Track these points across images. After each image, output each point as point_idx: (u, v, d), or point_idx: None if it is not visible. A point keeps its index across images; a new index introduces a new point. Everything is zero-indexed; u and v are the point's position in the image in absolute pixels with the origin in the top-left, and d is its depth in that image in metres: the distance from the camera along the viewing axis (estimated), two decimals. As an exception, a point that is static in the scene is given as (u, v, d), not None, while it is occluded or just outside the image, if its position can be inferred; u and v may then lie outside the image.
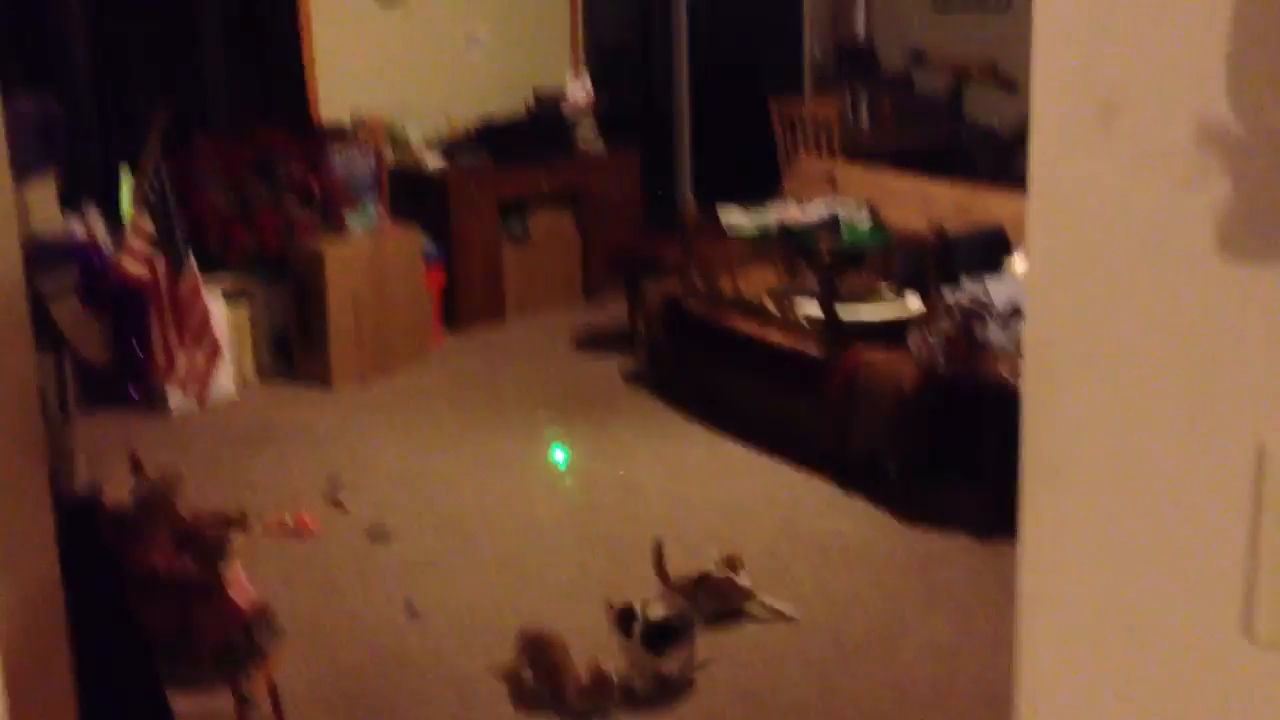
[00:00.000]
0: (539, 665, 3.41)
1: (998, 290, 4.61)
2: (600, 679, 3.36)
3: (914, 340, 4.56)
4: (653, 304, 5.82)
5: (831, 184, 6.14)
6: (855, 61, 8.17)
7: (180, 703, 2.77)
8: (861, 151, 7.10)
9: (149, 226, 3.94)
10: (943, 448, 4.52)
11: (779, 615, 3.81)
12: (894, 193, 5.86)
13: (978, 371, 4.34)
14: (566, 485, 4.83)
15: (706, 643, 3.65)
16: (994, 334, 4.46)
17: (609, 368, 6.21)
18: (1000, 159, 7.26)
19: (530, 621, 3.58)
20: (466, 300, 6.85)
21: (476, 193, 6.83)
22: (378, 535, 4.39)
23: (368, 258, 6.08)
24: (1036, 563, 1.09)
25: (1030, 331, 1.03)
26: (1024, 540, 1.10)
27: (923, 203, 5.73)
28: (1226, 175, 0.86)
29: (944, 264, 4.91)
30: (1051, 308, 1.00)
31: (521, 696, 3.44)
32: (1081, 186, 0.96)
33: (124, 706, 2.62)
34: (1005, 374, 4.23)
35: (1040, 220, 1.00)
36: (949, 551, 4.23)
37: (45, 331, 2.78)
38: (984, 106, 7.62)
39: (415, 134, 7.05)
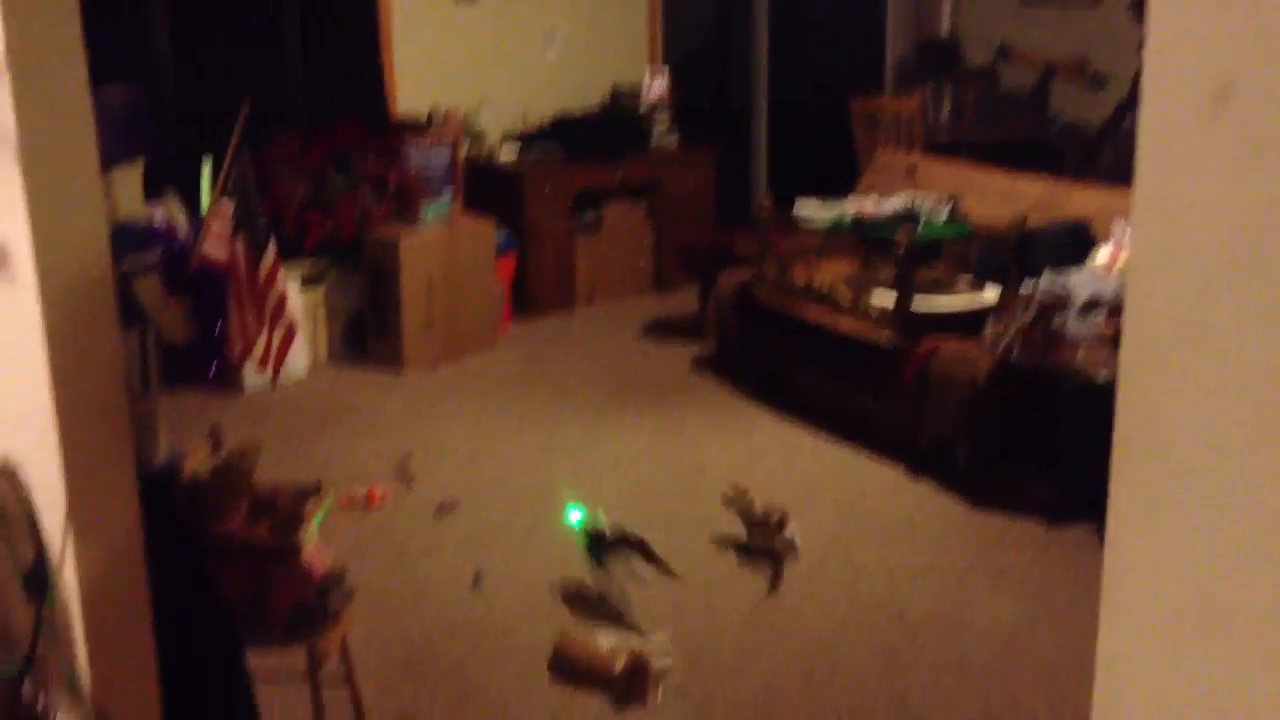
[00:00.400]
0: (570, 676, 3.43)
1: (1078, 283, 4.56)
2: (634, 663, 3.36)
3: (989, 330, 4.52)
4: (724, 293, 5.82)
5: (911, 178, 6.10)
6: (938, 56, 8.10)
7: (256, 664, 2.81)
8: (943, 146, 7.05)
9: (230, 210, 4.00)
10: (1014, 436, 4.48)
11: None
12: (976, 187, 5.81)
13: (1053, 361, 4.30)
14: (633, 468, 4.84)
15: (769, 614, 3.66)
16: (1071, 325, 4.42)
17: (678, 355, 6.22)
18: (1086, 154, 7.17)
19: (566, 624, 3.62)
20: (537, 289, 6.89)
21: (550, 185, 6.86)
22: (445, 510, 4.44)
23: (441, 246, 6.14)
24: (1124, 539, 1.07)
25: (1132, 312, 1.01)
26: (1113, 517, 1.08)
27: (1005, 197, 5.67)
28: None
29: (1024, 257, 4.86)
30: (1154, 289, 0.99)
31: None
32: (1190, 170, 0.95)
33: (202, 668, 2.67)
34: (1081, 364, 4.19)
35: (1147, 202, 0.99)
36: (1016, 536, 4.20)
37: (129, 310, 2.84)
38: (1070, 102, 7.52)
39: (491, 127, 7.11)
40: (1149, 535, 1.03)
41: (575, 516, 3.86)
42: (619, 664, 3.37)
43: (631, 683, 3.34)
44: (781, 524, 4.07)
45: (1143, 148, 0.97)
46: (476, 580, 3.94)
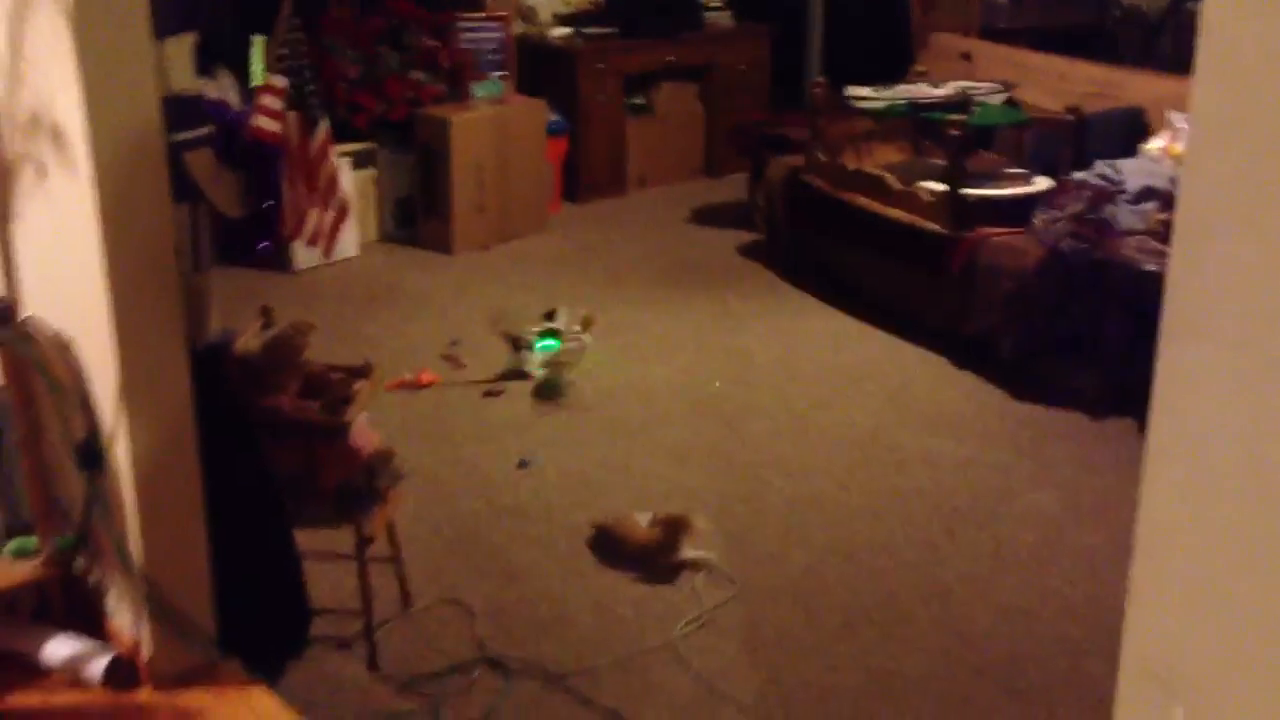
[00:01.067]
0: (610, 555, 3.50)
1: (1131, 171, 4.49)
2: (668, 525, 3.46)
3: (1039, 218, 4.47)
4: (775, 178, 5.77)
5: (967, 62, 5.98)
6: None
7: (304, 539, 2.88)
8: (1000, 31, 6.89)
9: (282, 84, 4.00)
10: (1060, 328, 4.45)
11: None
12: (1032, 72, 5.69)
13: (1102, 251, 4.25)
14: (680, 354, 4.86)
15: (811, 501, 3.71)
16: (1123, 214, 4.36)
17: (727, 242, 6.20)
18: (1145, 41, 6.99)
19: (607, 511, 3.66)
20: (588, 172, 6.86)
21: (603, 65, 6.79)
22: (493, 394, 4.49)
23: (492, 127, 6.11)
24: (1169, 415, 1.07)
25: (1188, 185, 1.00)
26: (1159, 394, 1.08)
27: (1061, 83, 5.56)
28: None
29: (1078, 144, 4.78)
30: (1215, 155, 0.97)
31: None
32: (1253, 39, 0.93)
33: (252, 543, 2.73)
34: (1130, 254, 4.14)
35: (1209, 66, 0.97)
36: (1060, 427, 4.20)
37: (182, 184, 2.85)
38: (1131, -13, 7.31)
39: (543, 5, 7.02)
40: (1193, 414, 1.03)
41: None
42: (655, 537, 3.45)
43: (666, 550, 3.42)
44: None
45: (1207, 15, 0.95)
46: (523, 464, 3.99)
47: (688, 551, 3.43)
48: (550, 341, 4.65)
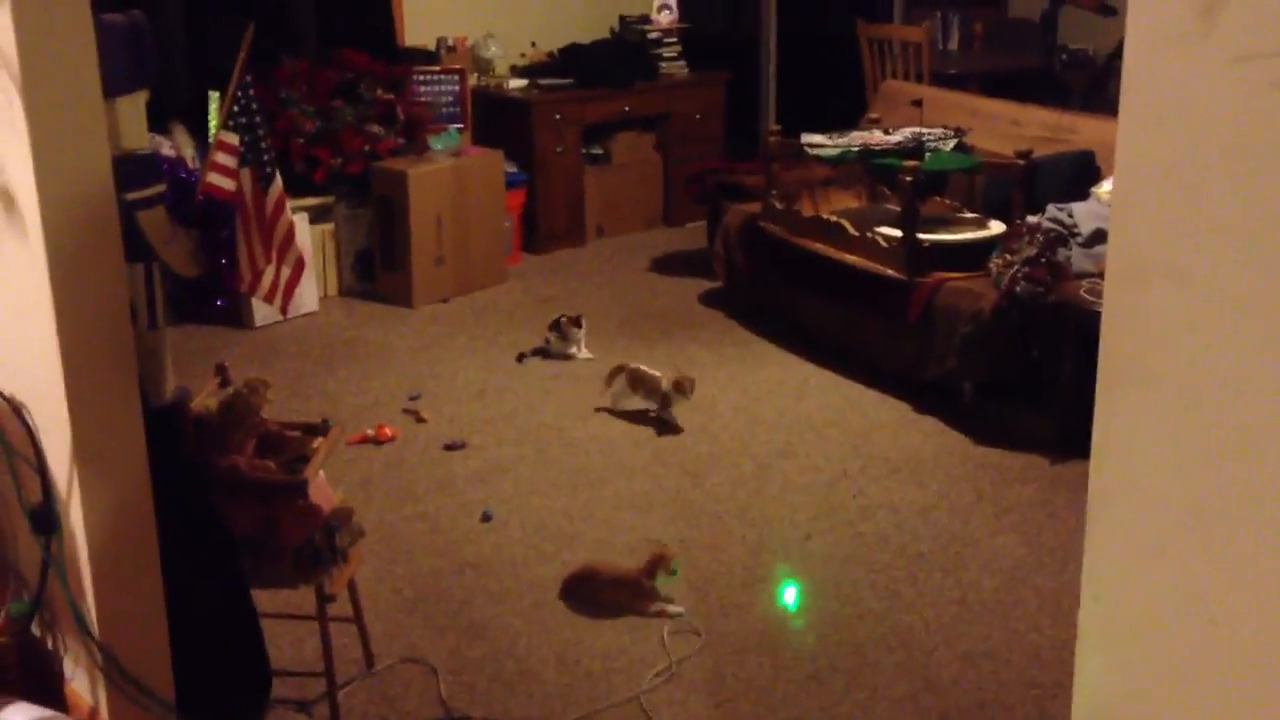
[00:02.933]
0: (586, 600, 3.51)
1: (1083, 215, 4.55)
2: (647, 567, 3.48)
3: (994, 263, 4.51)
4: (732, 226, 5.80)
5: (919, 109, 6.05)
6: (946, -16, 8.01)
7: (263, 600, 2.85)
8: (950, 77, 6.99)
9: (235, 141, 3.98)
10: (1019, 371, 4.48)
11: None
12: (982, 117, 5.77)
13: (1057, 294, 4.29)
14: (642, 403, 4.85)
15: (775, 548, 3.71)
16: (1076, 257, 4.41)
17: (687, 290, 6.22)
18: (1094, 84, 7.10)
19: (584, 557, 3.68)
20: (547, 222, 6.88)
21: (559, 116, 6.82)
22: (454, 448, 4.47)
23: (450, 179, 6.12)
24: (1109, 461, 1.08)
25: (1117, 233, 1.02)
26: (1098, 439, 1.09)
27: (1012, 128, 5.64)
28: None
29: (1029, 189, 4.84)
30: (1140, 208, 0.99)
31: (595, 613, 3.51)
32: (1176, 87, 0.94)
33: (210, 604, 2.70)
34: (1085, 297, 4.18)
35: (1132, 121, 0.98)
36: (1021, 471, 4.22)
37: (135, 243, 2.83)
38: (1079, 31, 7.43)
39: (499, 57, 7.06)
40: (1130, 462, 1.04)
41: (790, 597, 3.60)
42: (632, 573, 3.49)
43: (640, 582, 3.46)
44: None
45: (1129, 63, 0.97)
46: (485, 518, 3.97)
47: (660, 594, 3.48)
48: None
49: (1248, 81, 0.89)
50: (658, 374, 4.71)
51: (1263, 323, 0.91)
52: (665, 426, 4.62)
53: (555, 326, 5.37)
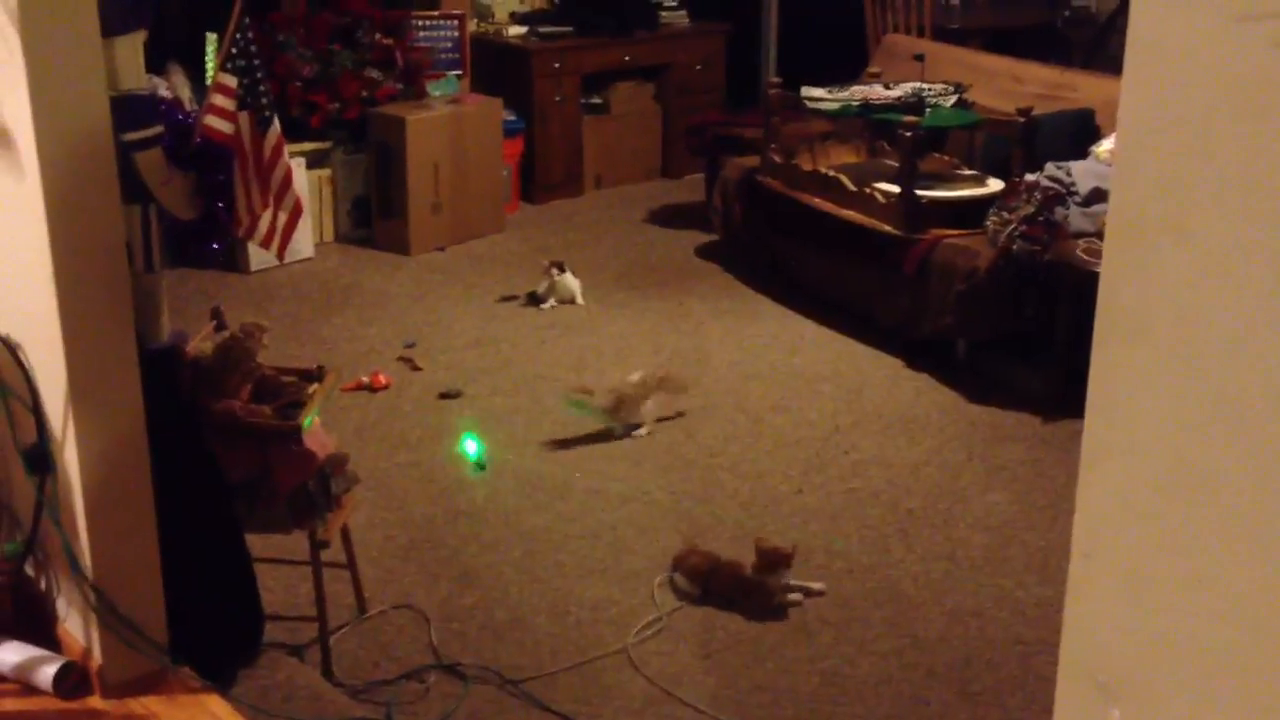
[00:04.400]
0: (700, 591, 3.34)
1: (1082, 173, 4.53)
2: (767, 555, 3.29)
3: (991, 220, 4.51)
4: (730, 179, 5.79)
5: (920, 64, 6.01)
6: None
7: (256, 545, 2.87)
8: (953, 32, 6.94)
9: (233, 84, 3.96)
10: (1014, 329, 4.49)
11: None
12: (983, 74, 5.73)
13: (1054, 253, 4.29)
14: (636, 355, 4.86)
15: (766, 503, 3.72)
16: (1073, 217, 4.40)
17: (684, 242, 6.21)
18: (1095, 42, 7.05)
19: (687, 539, 3.51)
20: (545, 172, 6.85)
21: (559, 65, 6.78)
22: (449, 396, 4.47)
23: (448, 127, 6.09)
24: (1103, 416, 1.09)
25: (1118, 188, 1.02)
26: (1092, 395, 1.09)
27: (1012, 84, 5.60)
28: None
29: (1029, 146, 4.82)
30: (1142, 163, 0.99)
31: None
32: (1179, 46, 0.94)
33: (202, 546, 2.71)
34: (1081, 256, 4.18)
35: (1135, 79, 0.98)
36: (1013, 429, 4.24)
37: (132, 184, 2.82)
38: (1083, -12, 7.38)
39: (500, 4, 7.01)
40: (1126, 415, 1.05)
41: (471, 448, 3.99)
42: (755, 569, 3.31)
43: (766, 586, 3.29)
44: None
45: (1134, 23, 0.96)
46: (479, 468, 3.99)
47: (791, 581, 3.31)
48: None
49: (1251, 41, 0.89)
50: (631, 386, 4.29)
51: (1261, 279, 0.92)
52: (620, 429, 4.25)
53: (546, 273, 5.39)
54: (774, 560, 3.27)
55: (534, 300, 5.37)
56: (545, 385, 4.58)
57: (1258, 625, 0.94)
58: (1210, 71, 0.92)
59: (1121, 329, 1.04)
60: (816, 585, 3.34)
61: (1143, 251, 0.99)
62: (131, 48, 2.94)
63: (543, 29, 6.90)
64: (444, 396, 4.48)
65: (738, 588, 3.29)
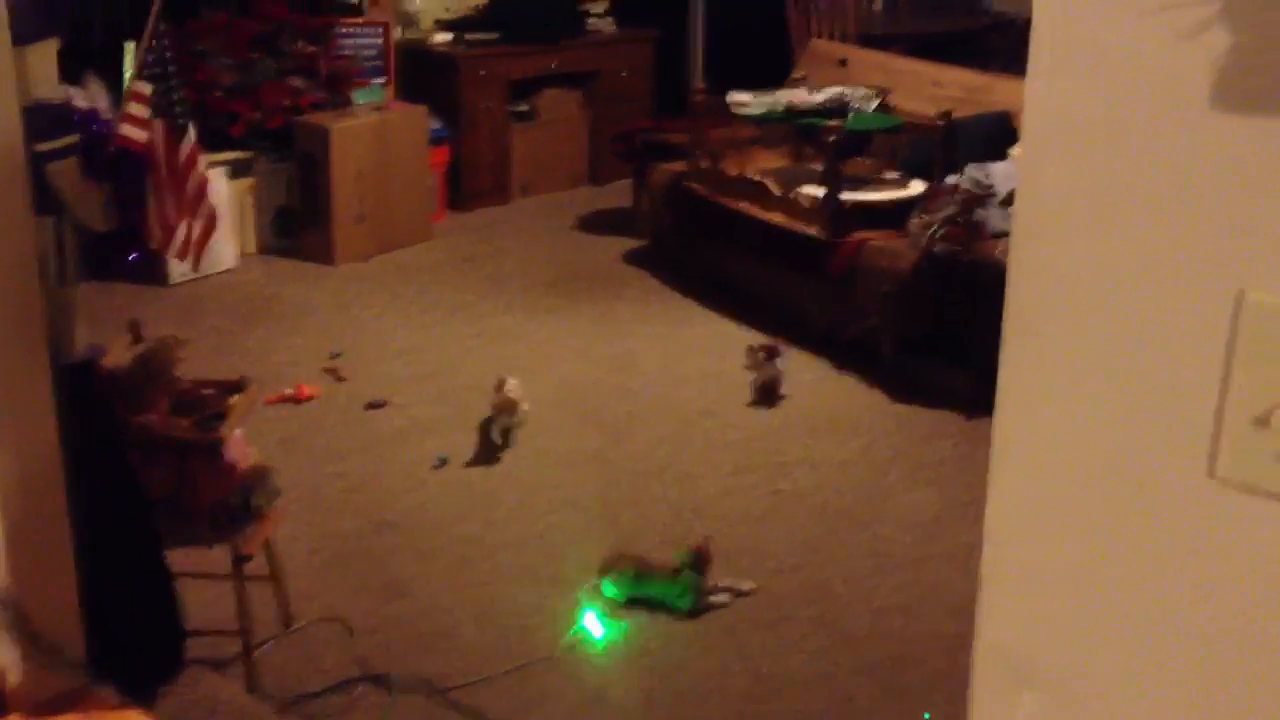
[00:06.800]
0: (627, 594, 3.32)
1: (1001, 175, 4.59)
2: (691, 556, 3.30)
3: (914, 223, 4.55)
4: (658, 185, 5.80)
5: (843, 68, 6.06)
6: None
7: (180, 559, 2.82)
8: (876, 38, 7.00)
9: (148, 91, 3.91)
10: (937, 329, 4.54)
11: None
12: (905, 78, 5.79)
13: (975, 253, 4.34)
14: (564, 362, 4.85)
15: (694, 506, 3.73)
16: (994, 218, 4.46)
17: (612, 249, 6.21)
18: (1014, 46, 7.15)
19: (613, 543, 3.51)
20: (472, 180, 6.82)
21: (485, 72, 6.76)
22: (375, 406, 4.44)
23: (373, 135, 6.04)
24: (1010, 411, 1.10)
25: (1023, 185, 1.03)
26: (1001, 389, 1.11)
27: (933, 89, 5.67)
28: (1227, 25, 0.85)
29: (949, 149, 4.88)
30: (1046, 159, 1.00)
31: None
32: (1082, 39, 0.95)
33: (123, 564, 2.66)
34: (1001, 256, 4.23)
35: (1039, 77, 0.99)
36: (937, 428, 4.28)
37: (44, 195, 2.77)
38: (1003, -7, 7.48)
39: (424, 10, 6.97)
40: (1030, 411, 1.07)
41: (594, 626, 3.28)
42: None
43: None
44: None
45: (1037, 16, 0.97)
46: (440, 463, 4.01)
47: (719, 583, 3.31)
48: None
49: (1155, 34, 0.90)
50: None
51: (1164, 275, 0.93)
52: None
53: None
54: (697, 560, 3.28)
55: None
56: (472, 394, 4.55)
57: (1160, 606, 0.95)
58: (1114, 66, 0.93)
59: (1025, 325, 1.05)
60: (746, 585, 3.35)
61: (1046, 249, 1.00)
62: (44, 56, 2.90)
63: (469, 36, 6.87)
64: (370, 407, 4.44)
65: (666, 590, 3.28)
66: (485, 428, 4.21)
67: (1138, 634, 0.97)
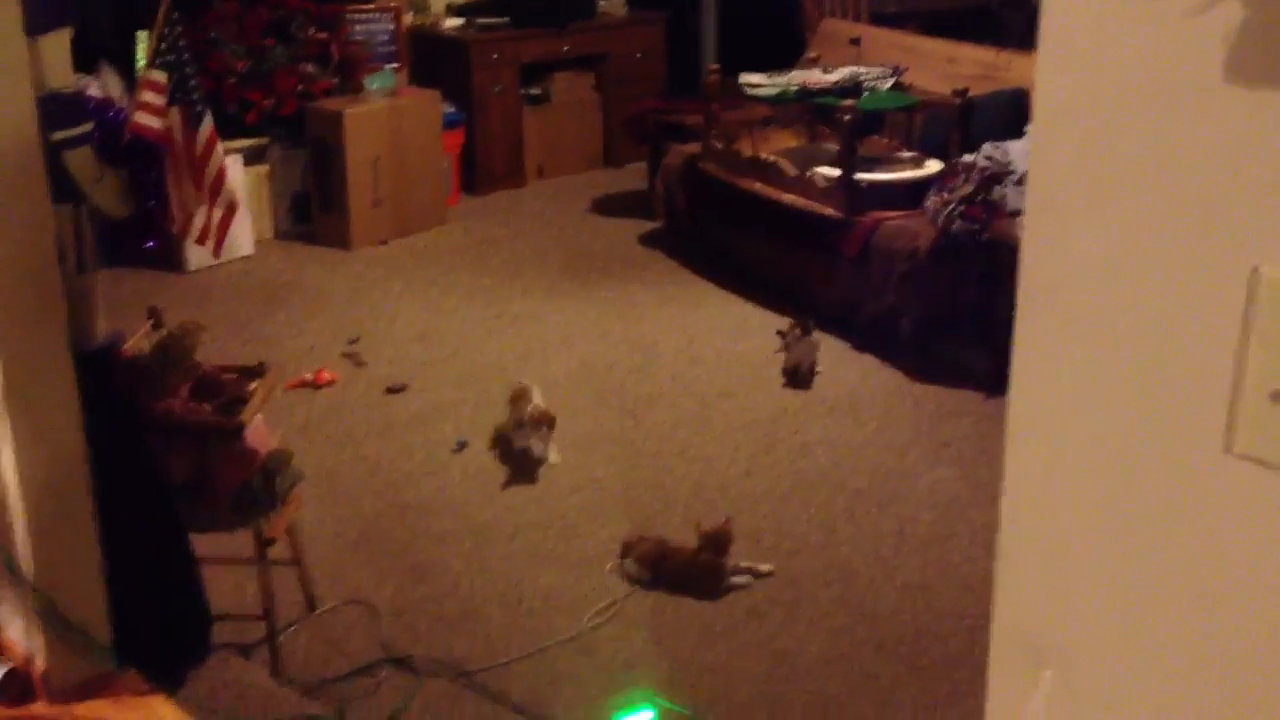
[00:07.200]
0: (649, 576, 3.34)
1: (1018, 153, 4.58)
2: (710, 538, 3.31)
3: (930, 201, 4.54)
4: (672, 166, 5.79)
5: (857, 48, 6.04)
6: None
7: (204, 544, 2.83)
8: (889, 16, 6.98)
9: (163, 79, 3.92)
10: (955, 308, 4.53)
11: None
12: (920, 56, 5.77)
13: (992, 231, 4.33)
14: (581, 344, 4.86)
15: (716, 487, 3.73)
16: (1012, 196, 4.44)
17: (627, 231, 6.21)
18: (1028, 23, 7.11)
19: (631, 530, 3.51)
20: (486, 164, 6.83)
21: (497, 56, 6.76)
22: (394, 390, 4.45)
23: (387, 120, 6.05)
24: (1025, 389, 1.11)
25: (1035, 164, 1.03)
26: (1016, 368, 1.11)
27: (948, 67, 5.65)
28: (1236, 0, 0.85)
29: (965, 127, 4.86)
30: (1057, 136, 1.00)
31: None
32: (1092, 16, 0.95)
33: (145, 549, 2.68)
34: (1020, 234, 4.22)
35: (1049, 51, 0.99)
36: (957, 407, 4.28)
37: (62, 184, 2.79)
38: (1016, -31, 7.43)
39: (436, -4, 6.98)
40: (1045, 389, 1.07)
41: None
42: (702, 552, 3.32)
43: (715, 567, 3.30)
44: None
45: (1046, 7, 0.97)
46: (460, 446, 4.03)
47: (739, 564, 3.32)
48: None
49: (1160, 13, 0.90)
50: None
51: (1177, 251, 0.93)
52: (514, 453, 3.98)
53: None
54: (717, 541, 3.29)
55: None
56: (492, 376, 4.57)
57: (1177, 583, 0.96)
58: (1124, 42, 0.93)
59: (1040, 303, 1.05)
60: (765, 566, 3.36)
61: (1059, 226, 1.00)
62: (57, 46, 2.91)
63: (480, 20, 6.87)
64: (390, 391, 4.46)
65: (687, 571, 3.30)
66: (503, 441, 4.01)
67: (1155, 611, 0.98)
